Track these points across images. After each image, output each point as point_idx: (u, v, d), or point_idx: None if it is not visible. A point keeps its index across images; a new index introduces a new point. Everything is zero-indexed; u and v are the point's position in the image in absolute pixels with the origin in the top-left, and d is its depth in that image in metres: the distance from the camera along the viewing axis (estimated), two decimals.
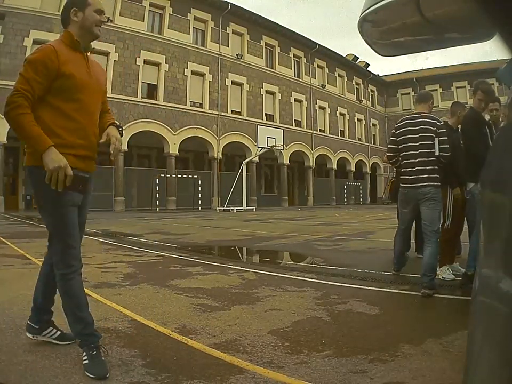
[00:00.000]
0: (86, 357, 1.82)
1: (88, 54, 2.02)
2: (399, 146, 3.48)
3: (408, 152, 3.39)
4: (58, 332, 2.13)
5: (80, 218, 2.01)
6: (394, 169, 4.86)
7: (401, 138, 3.45)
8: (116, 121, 2.16)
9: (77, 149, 1.91)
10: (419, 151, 3.33)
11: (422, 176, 3.30)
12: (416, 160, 3.33)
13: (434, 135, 3.30)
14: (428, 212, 3.31)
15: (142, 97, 20.90)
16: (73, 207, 1.92)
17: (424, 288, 3.12)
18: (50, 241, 1.98)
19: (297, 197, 32.08)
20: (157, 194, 20.75)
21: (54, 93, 1.85)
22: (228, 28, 24.85)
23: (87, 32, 1.95)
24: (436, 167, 3.31)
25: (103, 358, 1.86)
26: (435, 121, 3.36)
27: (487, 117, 3.98)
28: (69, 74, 1.85)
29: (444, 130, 3.35)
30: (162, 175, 21.15)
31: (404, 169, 3.43)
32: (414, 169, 3.34)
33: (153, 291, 3.32)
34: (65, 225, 1.89)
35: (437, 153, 3.29)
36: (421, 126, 3.35)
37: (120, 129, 2.14)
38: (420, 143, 3.33)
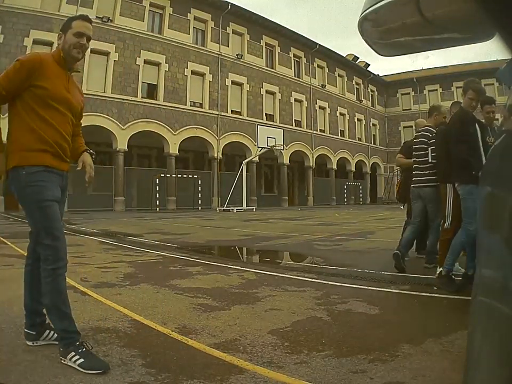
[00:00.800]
0: (77, 356, 1.82)
1: (72, 74, 2.16)
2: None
3: (415, 159, 4.33)
4: (56, 334, 2.13)
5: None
6: (398, 170, 5.05)
7: (413, 148, 4.42)
8: (88, 148, 2.30)
9: (53, 147, 2.01)
10: (419, 159, 4.24)
11: (420, 178, 4.18)
12: (418, 166, 4.24)
13: (426, 146, 4.13)
14: (430, 211, 4.19)
15: (142, 97, 20.91)
16: (55, 201, 2.00)
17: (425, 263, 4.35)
18: (37, 238, 2.01)
19: (297, 197, 32.08)
20: (157, 194, 20.75)
21: (33, 97, 1.96)
22: (228, 27, 24.85)
23: (67, 54, 2.05)
24: (432, 171, 4.04)
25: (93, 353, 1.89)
26: (428, 133, 4.22)
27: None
28: (46, 86, 1.97)
29: (434, 140, 4.03)
30: (162, 175, 21.15)
31: (413, 173, 4.36)
32: (415, 172, 4.26)
33: (153, 291, 3.32)
34: (51, 218, 1.96)
35: (430, 160, 4.08)
36: (420, 139, 4.27)
37: (93, 156, 2.29)
38: (418, 152, 4.25)
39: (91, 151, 2.30)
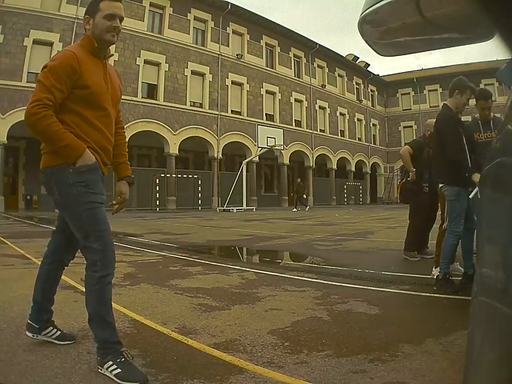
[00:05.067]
0: (114, 366, 1.72)
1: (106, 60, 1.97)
2: None
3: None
4: (59, 332, 2.11)
5: None
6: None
7: None
8: (130, 173, 2.17)
9: (98, 153, 1.90)
10: None
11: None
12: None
13: None
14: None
15: (142, 97, 20.91)
16: (102, 201, 1.88)
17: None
18: (85, 242, 1.84)
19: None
20: (157, 194, 20.75)
21: (74, 99, 1.82)
22: (228, 27, 24.85)
23: (99, 40, 1.87)
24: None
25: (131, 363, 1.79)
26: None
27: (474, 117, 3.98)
28: (87, 84, 1.81)
29: None
30: (162, 175, 21.14)
31: None
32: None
33: (153, 291, 3.32)
34: (101, 221, 1.84)
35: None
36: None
37: (132, 184, 2.15)
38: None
39: (132, 177, 2.17)
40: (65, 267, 2.17)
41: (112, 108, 1.97)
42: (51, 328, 2.10)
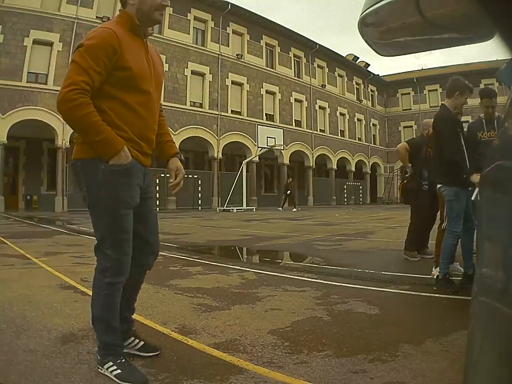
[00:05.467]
0: (114, 367, 1.69)
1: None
2: None
3: None
4: (141, 342, 1.95)
5: (147, 223, 1.86)
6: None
7: None
8: (178, 151, 2.01)
9: (138, 144, 1.72)
10: None
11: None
12: None
13: None
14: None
15: None
16: (130, 208, 1.71)
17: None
18: (100, 245, 1.74)
19: (297, 197, 32.06)
20: (157, 194, 20.74)
21: (113, 82, 1.63)
22: (227, 27, 24.85)
23: (145, 17, 1.70)
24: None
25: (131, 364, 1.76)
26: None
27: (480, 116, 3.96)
28: (129, 66, 1.62)
29: None
30: (162, 175, 21.13)
31: None
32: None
33: (153, 291, 3.32)
34: (122, 227, 1.69)
35: None
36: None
37: (183, 161, 2.04)
38: None
39: (181, 155, 2.02)
40: (148, 270, 2.01)
41: (156, 92, 1.78)
42: (132, 338, 1.94)
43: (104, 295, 1.73)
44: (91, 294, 1.83)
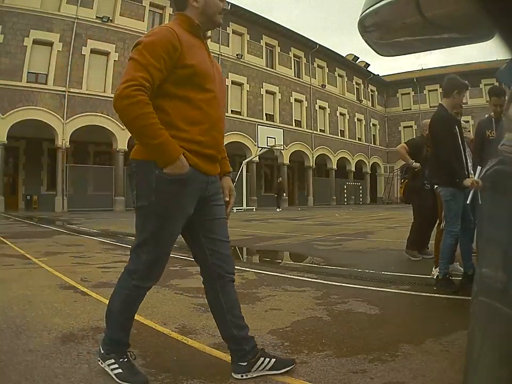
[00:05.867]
0: (116, 365, 1.65)
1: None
2: None
3: None
4: (273, 360, 1.75)
5: (212, 231, 1.71)
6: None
7: None
8: (228, 161, 1.90)
9: (201, 146, 1.60)
10: None
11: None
12: None
13: None
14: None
15: None
16: (179, 219, 1.62)
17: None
18: (137, 247, 1.65)
19: (297, 197, 32.07)
20: None
21: (176, 81, 1.55)
22: (228, 27, 24.85)
23: (208, 20, 1.67)
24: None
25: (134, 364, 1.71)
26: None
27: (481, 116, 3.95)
28: (191, 63, 1.56)
29: None
30: None
31: None
32: None
33: (153, 291, 3.29)
34: (165, 237, 1.62)
35: None
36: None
37: (233, 178, 1.93)
38: None
39: (232, 174, 1.91)
40: (233, 281, 1.80)
41: (220, 93, 1.71)
42: (262, 359, 1.73)
43: (126, 294, 1.67)
44: (113, 290, 1.75)
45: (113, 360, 1.67)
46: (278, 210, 20.45)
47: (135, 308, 1.72)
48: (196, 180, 1.60)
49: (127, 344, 1.74)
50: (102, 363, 1.71)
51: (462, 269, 3.59)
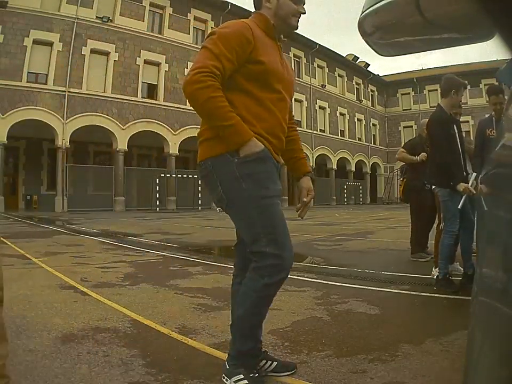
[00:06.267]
0: (244, 381, 1.54)
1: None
2: None
3: None
4: (275, 363, 1.76)
5: None
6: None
7: None
8: (307, 161, 1.88)
9: (267, 140, 1.59)
10: None
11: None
12: None
13: None
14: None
15: (142, 97, 20.92)
16: (277, 195, 1.58)
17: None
18: (256, 245, 1.55)
19: (297, 197, 32.03)
20: (157, 194, 20.76)
21: (246, 75, 1.56)
22: None
23: (282, 22, 1.66)
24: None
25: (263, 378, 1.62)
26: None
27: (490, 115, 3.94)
28: (262, 60, 1.56)
29: None
30: (162, 175, 21.15)
31: None
32: None
33: (153, 291, 3.32)
34: (275, 218, 1.54)
35: None
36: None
37: (314, 178, 1.88)
38: None
39: (313, 173, 1.88)
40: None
41: (287, 95, 1.69)
42: (264, 362, 1.73)
43: (255, 297, 1.56)
44: (240, 295, 1.64)
45: (241, 376, 1.55)
46: None
47: (263, 314, 1.64)
48: (271, 159, 1.60)
49: (256, 355, 1.65)
50: (227, 380, 1.58)
51: (462, 269, 3.59)
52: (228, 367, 1.60)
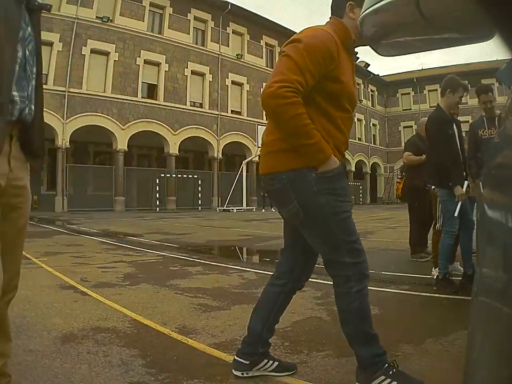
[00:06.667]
0: (388, 380, 1.54)
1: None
2: None
3: None
4: (276, 363, 1.78)
5: None
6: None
7: None
8: None
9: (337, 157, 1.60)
10: None
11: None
12: None
13: None
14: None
15: (142, 97, 20.91)
16: (351, 209, 1.63)
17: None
18: (334, 257, 1.58)
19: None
20: (157, 194, 20.76)
21: (322, 92, 1.53)
22: (227, 27, 24.85)
23: (361, 35, 1.55)
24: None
25: (402, 370, 1.62)
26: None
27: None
28: (342, 80, 1.55)
29: None
30: (162, 175, 21.14)
31: None
32: None
33: (153, 291, 3.32)
34: (351, 230, 1.58)
35: None
36: None
37: None
38: None
39: None
40: (300, 289, 1.84)
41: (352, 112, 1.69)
42: (265, 361, 1.75)
43: (355, 307, 1.57)
44: (339, 316, 1.66)
45: (383, 377, 1.55)
46: (263, 210, 19.74)
47: (370, 313, 1.63)
48: (344, 174, 1.62)
49: (385, 352, 1.64)
50: None
51: (462, 269, 3.59)
52: (362, 375, 1.60)
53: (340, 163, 1.55)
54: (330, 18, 1.66)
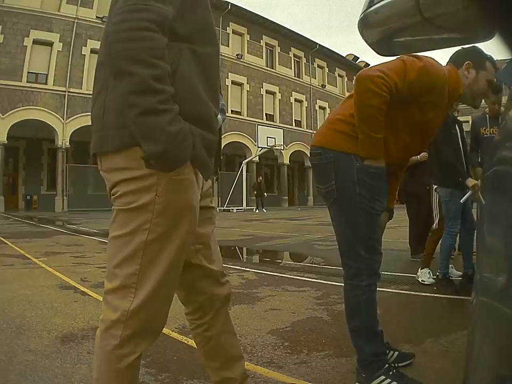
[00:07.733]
0: (388, 380, 1.56)
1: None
2: None
3: None
4: (396, 352, 1.81)
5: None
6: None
7: None
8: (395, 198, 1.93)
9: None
10: None
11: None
12: None
13: None
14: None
15: None
16: (382, 210, 1.67)
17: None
18: (352, 247, 1.64)
19: (297, 197, 32.07)
20: None
21: (405, 114, 1.60)
22: (228, 27, 24.85)
23: (468, 96, 1.69)
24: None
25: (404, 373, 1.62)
26: None
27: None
28: (429, 114, 1.60)
29: None
30: None
31: None
32: None
33: None
34: (376, 227, 1.64)
35: None
36: None
37: (392, 213, 1.94)
38: None
39: (393, 210, 1.94)
40: None
41: None
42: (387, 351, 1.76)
43: (364, 300, 1.60)
44: (344, 308, 1.69)
45: (382, 377, 1.56)
46: (256, 211, 19.47)
47: (376, 310, 1.65)
48: (386, 180, 1.63)
49: (386, 352, 1.65)
50: None
51: (456, 271, 3.62)
52: (363, 374, 1.61)
53: (384, 166, 1.58)
54: (447, 64, 1.72)
